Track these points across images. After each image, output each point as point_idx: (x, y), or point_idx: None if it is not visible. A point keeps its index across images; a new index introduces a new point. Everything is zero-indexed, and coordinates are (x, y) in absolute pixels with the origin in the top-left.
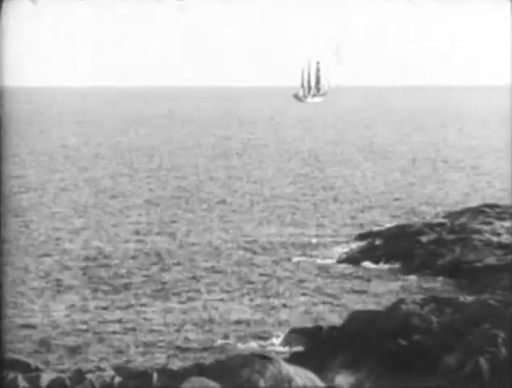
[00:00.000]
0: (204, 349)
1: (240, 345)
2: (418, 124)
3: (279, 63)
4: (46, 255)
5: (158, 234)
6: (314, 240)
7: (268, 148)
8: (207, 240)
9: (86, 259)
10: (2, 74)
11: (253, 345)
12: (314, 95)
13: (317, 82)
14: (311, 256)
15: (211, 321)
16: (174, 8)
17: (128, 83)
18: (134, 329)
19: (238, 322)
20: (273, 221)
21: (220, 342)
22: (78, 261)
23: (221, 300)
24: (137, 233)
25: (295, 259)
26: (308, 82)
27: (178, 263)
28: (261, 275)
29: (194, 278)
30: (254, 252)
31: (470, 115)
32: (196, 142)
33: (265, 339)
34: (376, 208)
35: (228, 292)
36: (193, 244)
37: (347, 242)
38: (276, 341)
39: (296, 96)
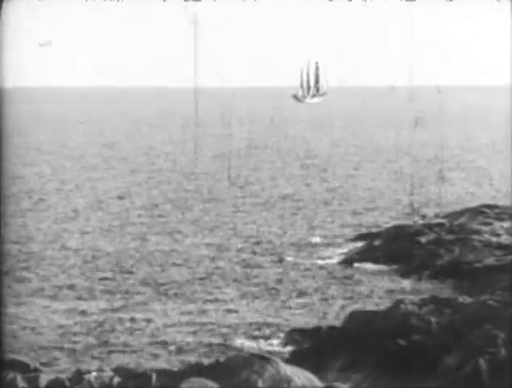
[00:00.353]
0: (203, 350)
1: (239, 345)
2: (419, 123)
3: (279, 63)
4: (47, 255)
5: (159, 234)
6: (314, 240)
7: (269, 148)
8: (207, 241)
9: (87, 259)
10: (2, 74)
11: (253, 345)
12: (313, 96)
13: (316, 81)
14: (311, 257)
15: (210, 322)
16: (175, 8)
17: (128, 83)
18: (134, 330)
19: (238, 323)
20: (274, 221)
21: (219, 342)
22: (79, 261)
23: (222, 301)
24: (138, 233)
25: (294, 260)
26: (307, 82)
27: (179, 264)
28: (261, 275)
29: (194, 279)
30: (255, 253)
31: (470, 115)
32: (196, 142)
33: (264, 339)
34: (377, 209)
35: (228, 293)
36: (194, 245)
37: (346, 242)
38: (275, 341)
39: (295, 96)
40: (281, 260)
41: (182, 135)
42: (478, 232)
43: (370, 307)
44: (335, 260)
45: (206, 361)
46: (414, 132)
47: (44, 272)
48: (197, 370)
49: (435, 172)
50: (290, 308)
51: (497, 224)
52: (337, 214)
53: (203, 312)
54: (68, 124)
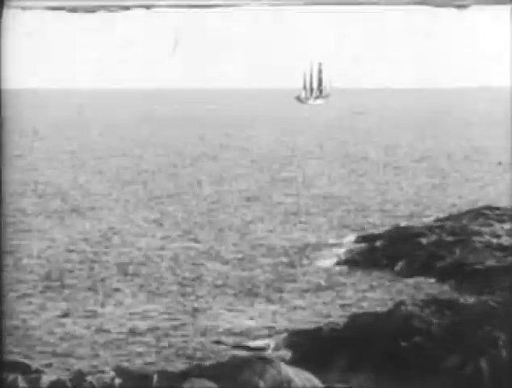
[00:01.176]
0: (204, 351)
1: (239, 346)
2: (423, 125)
3: (280, 64)
4: (48, 255)
5: (165, 237)
6: (314, 242)
7: (275, 150)
8: (207, 245)
9: (89, 261)
10: (2, 76)
11: (253, 346)
12: (317, 97)
13: (319, 83)
14: (311, 258)
15: (211, 324)
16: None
17: (129, 84)
18: (135, 330)
19: (239, 324)
20: (276, 223)
21: (218, 345)
22: (81, 263)
23: (223, 304)
24: (143, 235)
25: (294, 262)
26: (310, 83)
27: (183, 266)
28: (262, 275)
29: (198, 281)
30: (255, 256)
31: (470, 115)
32: (198, 144)
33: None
34: (384, 211)
35: (229, 294)
36: (197, 247)
37: (347, 244)
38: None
39: (298, 98)
40: (281, 262)
41: (183, 136)
42: (479, 233)
43: (371, 308)
44: (334, 261)
45: (207, 362)
46: (418, 133)
47: (45, 274)
48: (198, 371)
49: (441, 173)
50: (289, 309)
51: (497, 225)
52: (341, 217)
53: (203, 313)
54: (69, 125)
